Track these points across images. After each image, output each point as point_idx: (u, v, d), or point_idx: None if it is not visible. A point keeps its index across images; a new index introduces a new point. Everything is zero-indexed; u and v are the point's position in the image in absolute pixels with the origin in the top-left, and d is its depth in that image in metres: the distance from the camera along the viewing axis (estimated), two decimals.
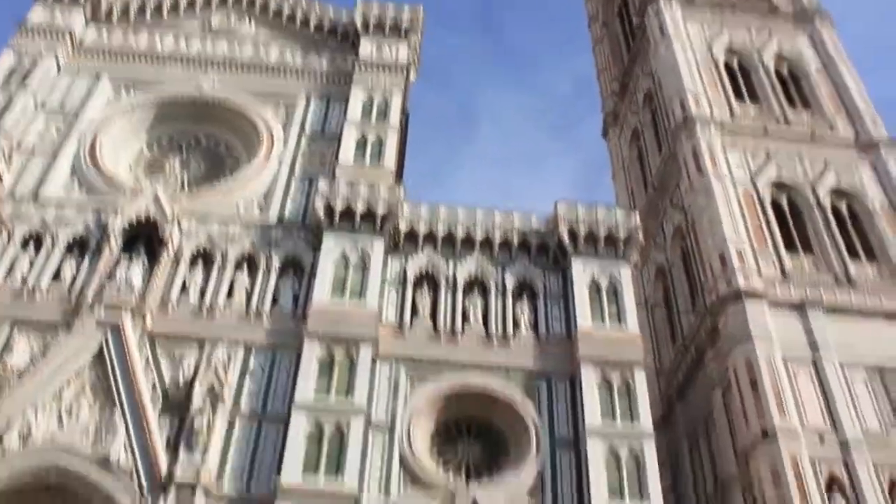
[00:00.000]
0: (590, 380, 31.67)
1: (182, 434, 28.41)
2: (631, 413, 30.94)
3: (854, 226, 40.28)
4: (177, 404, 29.39)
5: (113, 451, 27.57)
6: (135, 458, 27.53)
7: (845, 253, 38.41)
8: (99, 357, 29.75)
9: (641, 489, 29.00)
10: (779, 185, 41.32)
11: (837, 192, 41.42)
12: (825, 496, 29.93)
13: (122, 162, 39.32)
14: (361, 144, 38.92)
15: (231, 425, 29.53)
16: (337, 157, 38.52)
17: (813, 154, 42.98)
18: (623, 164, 54.66)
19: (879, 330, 35.33)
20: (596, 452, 29.74)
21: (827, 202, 40.72)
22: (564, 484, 29.72)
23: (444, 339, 33.10)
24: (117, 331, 30.34)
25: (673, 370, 41.10)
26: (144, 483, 27.08)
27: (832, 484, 30.40)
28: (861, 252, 38.96)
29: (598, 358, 32.18)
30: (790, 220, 40.07)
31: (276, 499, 27.33)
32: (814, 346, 34.25)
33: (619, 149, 56.14)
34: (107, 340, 30.02)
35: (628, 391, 31.53)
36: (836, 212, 40.66)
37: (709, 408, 36.14)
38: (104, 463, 27.33)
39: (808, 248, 38.89)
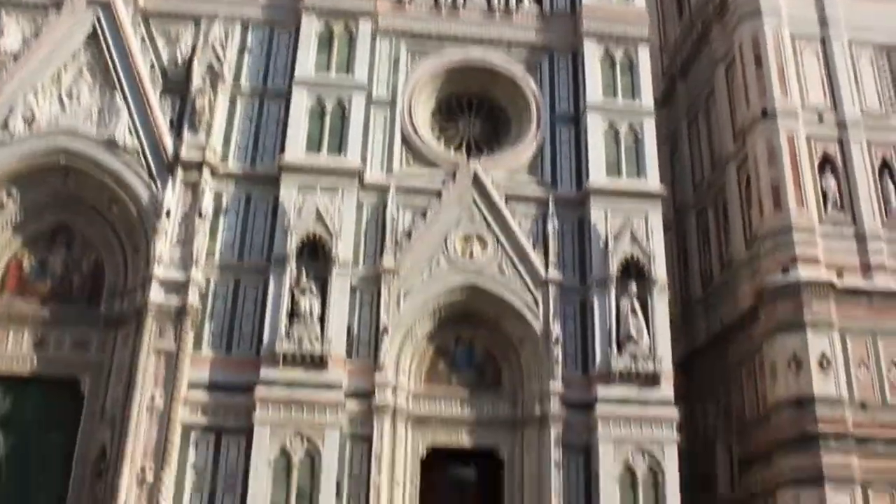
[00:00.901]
0: (592, 55, 31.24)
1: (185, 114, 28.54)
2: (633, 89, 30.85)
3: None
4: (177, 84, 29.13)
5: (118, 133, 27.67)
6: (140, 139, 27.74)
7: None
8: (93, 37, 28.96)
9: (639, 165, 29.61)
10: None
11: None
12: (817, 174, 30.60)
13: None
14: None
15: (233, 104, 29.52)
16: None
17: None
18: None
19: (894, 9, 33.90)
20: (595, 128, 30.00)
21: None
22: (563, 159, 30.25)
23: (445, 12, 32.05)
24: (108, 9, 29.21)
25: (677, 47, 40.21)
26: (151, 163, 27.55)
27: (825, 163, 30.93)
28: None
29: (602, 32, 31.52)
30: None
31: (280, 175, 27.95)
32: (823, 22, 33.24)
33: None
34: (99, 19, 29.04)
35: (631, 67, 31.23)
36: None
37: (711, 85, 35.87)
38: (110, 144, 27.56)
39: None
